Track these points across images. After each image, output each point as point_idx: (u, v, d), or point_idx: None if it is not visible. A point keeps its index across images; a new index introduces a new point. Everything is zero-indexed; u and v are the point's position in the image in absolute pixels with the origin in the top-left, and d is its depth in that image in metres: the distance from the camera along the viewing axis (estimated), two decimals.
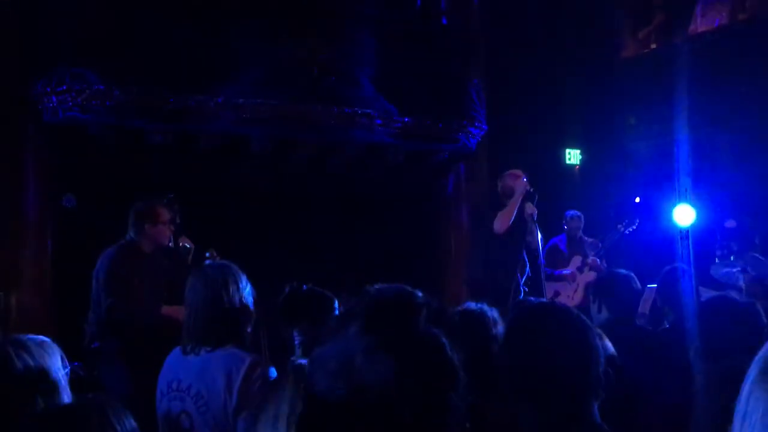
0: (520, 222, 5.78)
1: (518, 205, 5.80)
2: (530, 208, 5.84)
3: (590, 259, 6.93)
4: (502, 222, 5.84)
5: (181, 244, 4.90)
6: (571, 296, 6.85)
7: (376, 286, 1.21)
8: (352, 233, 7.03)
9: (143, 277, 4.74)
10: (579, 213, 7.19)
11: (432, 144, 7.11)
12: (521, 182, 5.88)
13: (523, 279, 5.69)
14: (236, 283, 2.83)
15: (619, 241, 6.96)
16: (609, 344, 2.53)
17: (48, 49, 5.70)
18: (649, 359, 3.32)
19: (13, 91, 5.69)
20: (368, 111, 6.69)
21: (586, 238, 7.16)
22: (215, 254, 4.90)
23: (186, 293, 2.85)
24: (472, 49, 7.45)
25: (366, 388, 1.07)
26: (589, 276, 6.81)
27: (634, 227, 6.91)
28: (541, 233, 5.96)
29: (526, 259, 5.72)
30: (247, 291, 2.86)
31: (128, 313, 4.51)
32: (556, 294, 6.96)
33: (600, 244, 6.99)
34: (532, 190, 5.80)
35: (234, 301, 2.79)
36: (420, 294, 1.19)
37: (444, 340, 1.13)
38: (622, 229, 6.92)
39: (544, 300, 4.04)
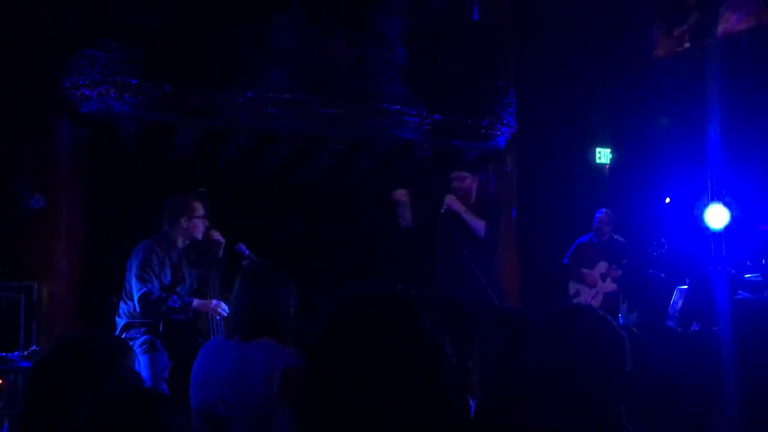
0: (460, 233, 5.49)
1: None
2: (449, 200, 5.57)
3: (614, 270, 6.79)
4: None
5: (212, 238, 4.95)
6: (588, 301, 6.74)
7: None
8: (380, 230, 7.02)
9: (175, 270, 4.80)
10: (609, 212, 6.98)
11: (461, 142, 7.09)
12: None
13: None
14: (279, 280, 3.00)
15: (646, 260, 6.71)
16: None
17: (80, 42, 5.76)
18: (678, 361, 3.29)
19: (46, 83, 5.76)
20: (397, 107, 6.68)
21: (617, 237, 7.03)
22: (247, 250, 4.94)
23: (233, 288, 3.05)
24: (502, 46, 7.41)
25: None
26: (610, 287, 6.70)
27: (664, 250, 6.70)
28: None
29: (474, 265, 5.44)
30: (287, 288, 2.99)
31: (160, 303, 4.57)
32: (577, 293, 6.89)
33: (626, 260, 6.79)
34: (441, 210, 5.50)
35: (276, 297, 2.95)
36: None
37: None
38: (651, 250, 6.73)
39: (573, 302, 3.96)
